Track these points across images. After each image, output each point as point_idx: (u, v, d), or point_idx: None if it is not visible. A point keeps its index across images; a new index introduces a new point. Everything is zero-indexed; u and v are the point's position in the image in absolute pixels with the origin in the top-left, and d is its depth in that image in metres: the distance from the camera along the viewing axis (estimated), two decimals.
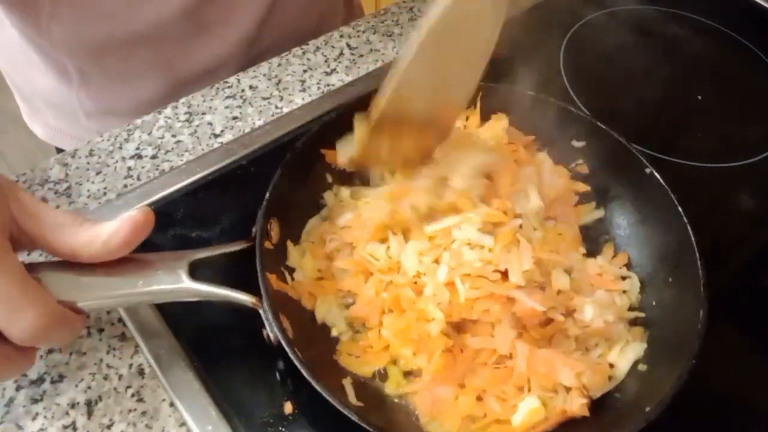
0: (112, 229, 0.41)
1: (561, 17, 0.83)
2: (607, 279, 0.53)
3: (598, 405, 0.47)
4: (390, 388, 0.48)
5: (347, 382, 0.47)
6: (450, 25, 0.45)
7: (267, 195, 0.49)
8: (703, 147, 0.69)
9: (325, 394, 0.41)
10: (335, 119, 0.55)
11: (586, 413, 0.45)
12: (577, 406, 0.45)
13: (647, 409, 0.42)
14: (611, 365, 0.49)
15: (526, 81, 0.60)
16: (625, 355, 0.49)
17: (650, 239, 0.55)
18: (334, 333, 0.50)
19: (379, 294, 0.49)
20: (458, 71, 0.49)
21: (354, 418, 0.40)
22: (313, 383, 0.41)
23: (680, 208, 0.52)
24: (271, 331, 0.44)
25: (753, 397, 0.52)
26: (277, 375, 0.48)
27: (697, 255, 0.49)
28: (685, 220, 0.51)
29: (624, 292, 0.53)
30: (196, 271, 0.44)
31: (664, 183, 0.54)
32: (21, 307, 0.35)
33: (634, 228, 0.57)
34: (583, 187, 0.58)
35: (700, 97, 0.76)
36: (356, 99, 0.57)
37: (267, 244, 0.48)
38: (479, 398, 0.47)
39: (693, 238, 0.50)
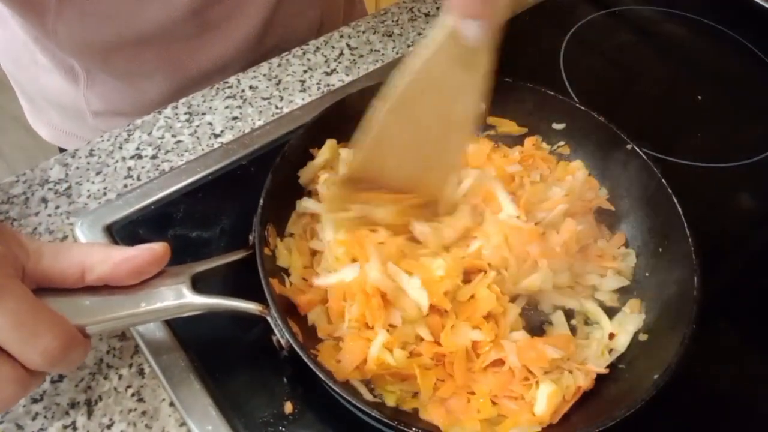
0: (128, 254, 0.41)
1: (561, 17, 0.83)
2: (606, 259, 0.54)
3: (608, 379, 0.48)
4: (390, 402, 0.47)
5: (356, 382, 0.47)
6: (419, 91, 0.45)
7: (261, 202, 0.49)
8: (703, 147, 0.69)
9: (345, 395, 0.41)
10: (321, 120, 0.56)
11: (591, 385, 0.47)
12: (588, 381, 0.47)
13: (655, 376, 0.43)
14: (612, 335, 0.50)
15: (526, 81, 0.60)
16: (625, 327, 0.50)
17: (637, 213, 0.56)
18: (319, 335, 0.49)
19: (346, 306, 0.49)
20: (436, 138, 0.49)
21: (375, 414, 0.40)
22: (331, 385, 0.41)
23: (664, 180, 0.53)
24: (281, 336, 0.44)
25: (752, 396, 0.52)
26: (279, 374, 0.48)
27: (685, 223, 0.51)
28: (670, 191, 0.53)
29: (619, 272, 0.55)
30: (197, 284, 0.44)
31: (645, 158, 0.55)
32: (37, 331, 0.35)
33: (620, 203, 0.58)
34: (608, 206, 0.58)
35: (700, 97, 0.76)
36: (342, 99, 0.57)
37: (266, 251, 0.48)
38: (493, 402, 0.47)
39: (679, 208, 0.51)
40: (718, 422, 0.50)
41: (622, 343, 0.50)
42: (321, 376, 0.41)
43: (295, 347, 0.42)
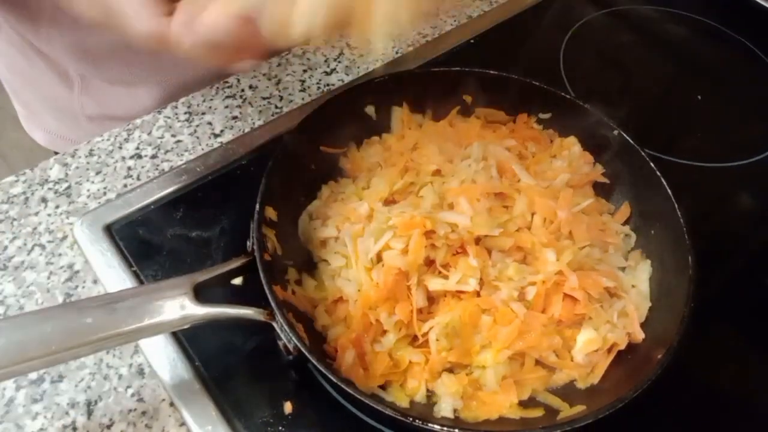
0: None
1: (561, 17, 0.83)
2: (609, 234, 0.55)
3: (612, 362, 0.48)
4: (401, 402, 0.47)
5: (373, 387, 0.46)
6: None
7: (257, 207, 0.48)
8: (703, 147, 0.69)
9: (357, 395, 0.41)
10: (314, 118, 0.55)
11: (624, 344, 0.48)
12: (623, 339, 0.48)
13: (659, 356, 0.44)
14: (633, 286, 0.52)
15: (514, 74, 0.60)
16: (639, 278, 0.52)
17: (627, 196, 0.57)
18: (330, 340, 0.49)
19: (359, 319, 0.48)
20: None
21: (389, 412, 0.41)
22: (344, 387, 0.41)
23: (652, 165, 0.54)
24: (288, 341, 0.44)
25: (752, 395, 0.52)
26: (278, 374, 0.48)
27: (675, 204, 0.51)
28: (659, 174, 0.53)
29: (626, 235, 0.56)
30: (200, 293, 0.43)
31: (632, 142, 0.56)
32: None
33: (613, 188, 0.58)
34: (602, 179, 0.58)
35: (700, 97, 0.76)
36: (336, 96, 0.57)
37: (265, 256, 0.47)
38: (522, 364, 0.48)
39: (669, 190, 0.52)
40: (718, 422, 0.50)
41: (644, 292, 0.51)
42: (332, 377, 0.41)
43: (304, 351, 0.42)
